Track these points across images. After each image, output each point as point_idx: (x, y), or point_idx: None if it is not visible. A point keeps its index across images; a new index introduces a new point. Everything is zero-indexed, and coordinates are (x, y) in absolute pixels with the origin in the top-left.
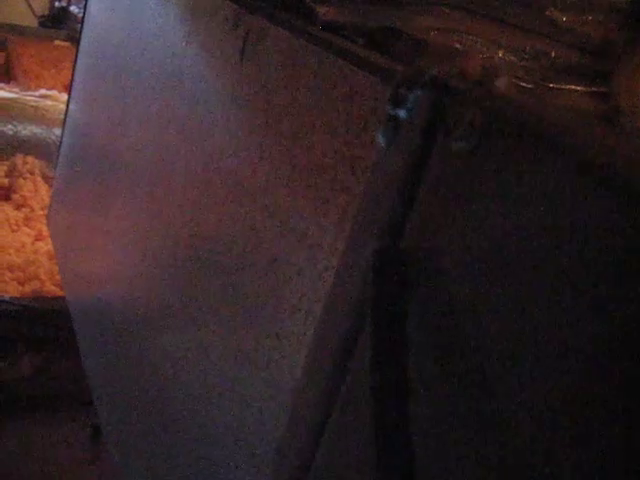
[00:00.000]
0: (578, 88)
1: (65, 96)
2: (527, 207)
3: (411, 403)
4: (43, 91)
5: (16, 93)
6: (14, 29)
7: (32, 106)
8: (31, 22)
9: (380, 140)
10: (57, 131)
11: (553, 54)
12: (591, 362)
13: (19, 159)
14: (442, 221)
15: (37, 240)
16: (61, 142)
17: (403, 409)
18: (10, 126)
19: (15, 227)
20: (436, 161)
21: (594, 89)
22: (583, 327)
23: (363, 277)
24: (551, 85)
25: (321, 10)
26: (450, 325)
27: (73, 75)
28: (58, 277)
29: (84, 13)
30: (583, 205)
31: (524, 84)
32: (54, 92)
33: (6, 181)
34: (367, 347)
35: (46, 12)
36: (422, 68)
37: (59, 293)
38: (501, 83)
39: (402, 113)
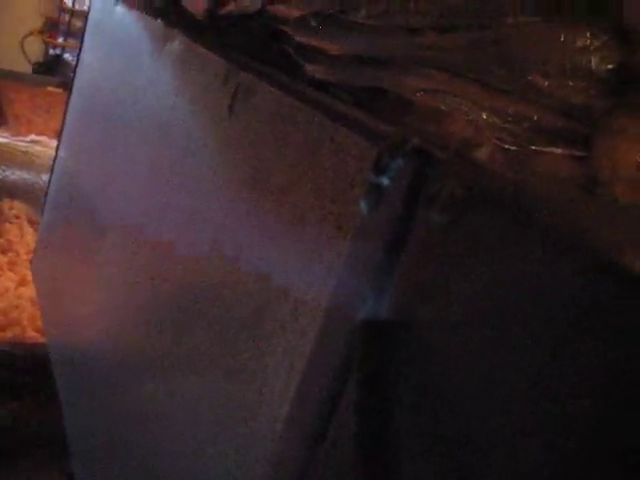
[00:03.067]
0: (559, 151)
1: (55, 142)
2: (507, 278)
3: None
4: (33, 136)
5: (6, 138)
6: (8, 75)
7: (22, 151)
8: (25, 68)
9: (363, 207)
10: (45, 177)
11: (535, 117)
12: (580, 434)
13: (6, 204)
14: (423, 290)
15: (21, 285)
16: (48, 188)
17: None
18: None
19: None
20: (418, 231)
21: (575, 153)
22: (570, 397)
23: (347, 337)
24: (533, 148)
25: (309, 68)
26: (435, 396)
27: (63, 122)
28: (40, 323)
29: (77, 62)
30: (562, 277)
31: (507, 146)
32: (44, 138)
33: None
34: (352, 418)
35: (40, 59)
36: (405, 136)
37: (40, 339)
38: (482, 153)
39: (385, 181)
